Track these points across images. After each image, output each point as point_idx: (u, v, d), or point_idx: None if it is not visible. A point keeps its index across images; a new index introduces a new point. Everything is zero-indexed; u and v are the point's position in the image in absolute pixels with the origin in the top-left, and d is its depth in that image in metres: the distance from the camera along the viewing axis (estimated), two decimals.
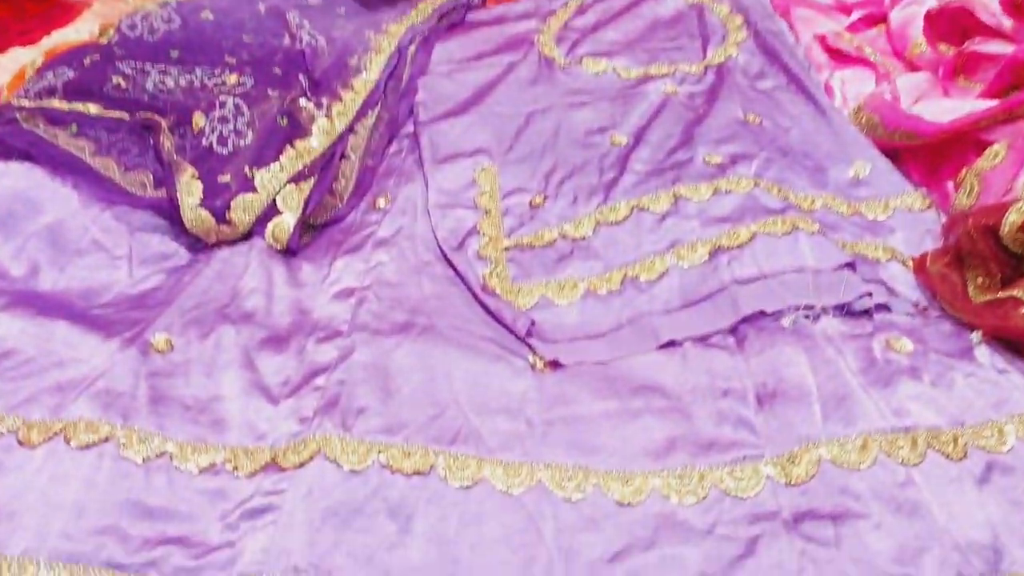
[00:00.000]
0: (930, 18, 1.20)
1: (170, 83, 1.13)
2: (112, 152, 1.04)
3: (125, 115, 1.07)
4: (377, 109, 1.18)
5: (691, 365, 0.84)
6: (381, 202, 1.05)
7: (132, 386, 0.81)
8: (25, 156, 1.01)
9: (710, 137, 1.10)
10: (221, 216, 0.97)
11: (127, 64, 1.14)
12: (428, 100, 1.23)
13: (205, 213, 0.97)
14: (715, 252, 0.91)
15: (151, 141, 1.04)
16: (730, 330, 0.87)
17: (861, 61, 1.26)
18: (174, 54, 1.19)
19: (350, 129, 1.13)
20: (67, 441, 0.76)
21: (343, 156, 1.10)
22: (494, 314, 0.90)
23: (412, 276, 0.94)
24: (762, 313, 0.87)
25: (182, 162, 1.00)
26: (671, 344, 0.87)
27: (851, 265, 0.89)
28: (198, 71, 1.16)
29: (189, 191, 0.97)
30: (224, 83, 1.13)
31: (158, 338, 0.86)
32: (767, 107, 1.17)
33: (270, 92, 1.11)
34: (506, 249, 0.96)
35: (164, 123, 1.04)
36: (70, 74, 1.12)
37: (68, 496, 0.72)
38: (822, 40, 1.31)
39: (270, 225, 0.98)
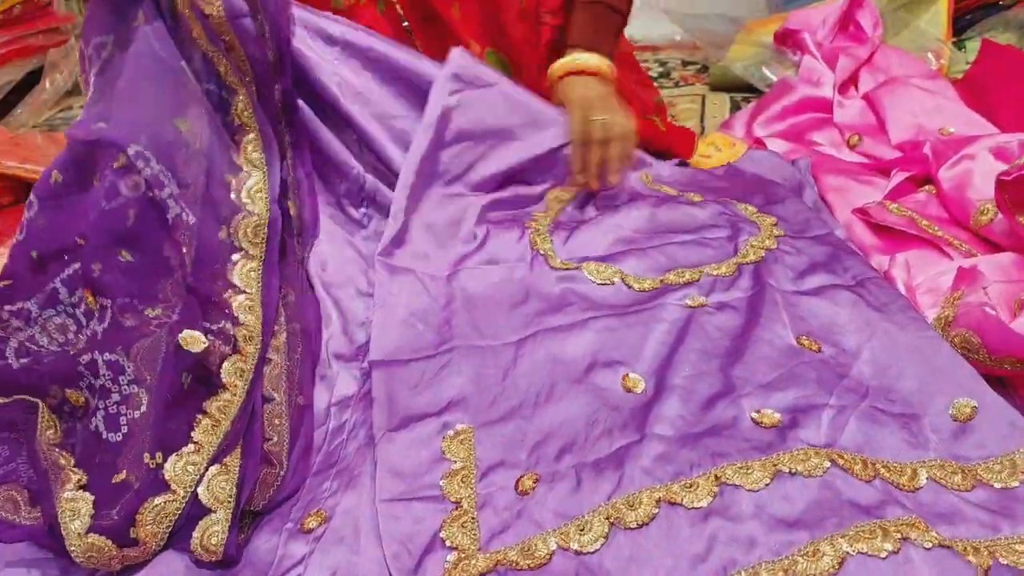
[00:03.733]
0: (1003, 184, 1.00)
1: (41, 339, 0.88)
2: None
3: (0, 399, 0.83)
4: (283, 316, 0.94)
5: None
6: (311, 521, 0.77)
7: None
8: None
9: (756, 378, 0.84)
10: (123, 537, 0.72)
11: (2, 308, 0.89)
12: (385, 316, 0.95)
13: (100, 540, 0.72)
14: None
15: (26, 434, 0.80)
16: None
17: (920, 239, 1.06)
18: (33, 254, 0.90)
19: (263, 358, 0.89)
20: None
21: (266, 399, 0.87)
22: None
23: None
24: None
25: (64, 463, 0.77)
26: None
27: None
28: (59, 287, 0.89)
29: (75, 511, 0.74)
30: (89, 309, 0.87)
31: None
32: (823, 319, 0.91)
33: (146, 311, 0.84)
34: (483, 575, 0.70)
35: (44, 408, 0.81)
36: None
37: None
38: (864, 216, 1.11)
39: (196, 532, 0.75)
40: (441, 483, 0.79)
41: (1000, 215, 1.03)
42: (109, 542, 0.73)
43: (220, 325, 0.89)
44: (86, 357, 0.83)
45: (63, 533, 0.73)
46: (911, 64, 1.43)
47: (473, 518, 0.75)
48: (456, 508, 0.76)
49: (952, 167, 1.13)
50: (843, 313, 0.92)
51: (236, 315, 0.91)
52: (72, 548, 0.72)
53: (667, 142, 1.34)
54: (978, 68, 1.42)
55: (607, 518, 0.72)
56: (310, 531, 0.76)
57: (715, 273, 0.99)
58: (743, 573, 0.66)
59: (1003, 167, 1.03)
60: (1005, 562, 0.67)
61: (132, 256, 0.88)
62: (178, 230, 0.90)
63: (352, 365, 0.96)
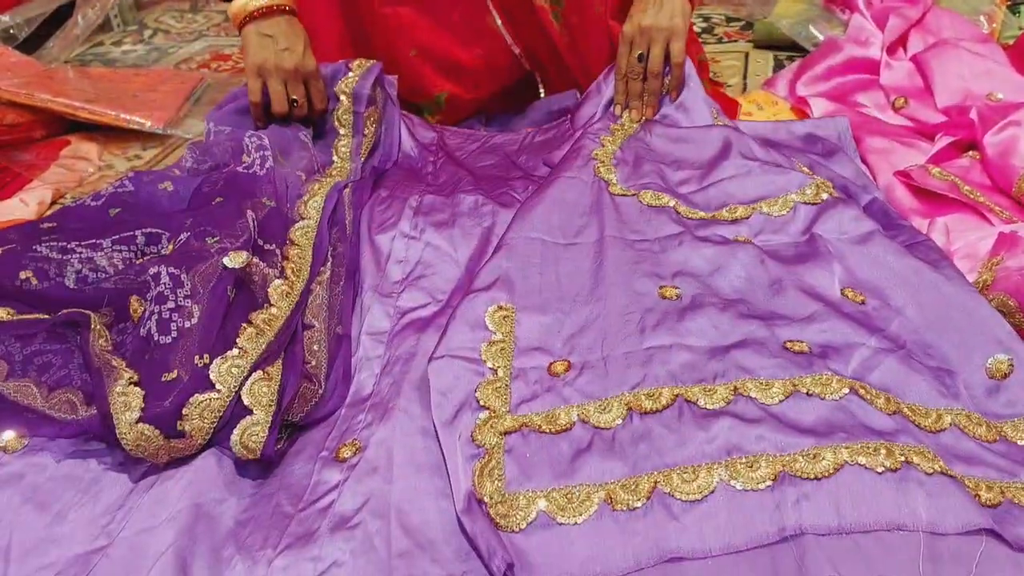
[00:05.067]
0: None
1: (101, 262, 0.95)
2: (30, 370, 0.86)
3: (43, 315, 0.89)
4: (329, 262, 1.02)
5: None
6: (346, 451, 0.82)
7: None
8: None
9: (795, 312, 0.89)
10: (171, 428, 0.78)
11: (49, 246, 0.96)
12: None
13: (149, 429, 0.77)
14: (781, 478, 0.70)
15: (79, 342, 0.87)
16: None
17: (961, 204, 1.08)
18: (113, 212, 1.02)
19: (307, 289, 0.97)
20: None
21: (306, 326, 0.94)
22: (470, 540, 0.71)
23: None
24: None
25: (116, 364, 0.83)
26: None
27: (994, 533, 0.65)
28: (140, 236, 0.99)
29: (126, 403, 0.78)
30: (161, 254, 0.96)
31: None
32: (874, 275, 0.94)
33: (208, 240, 0.94)
34: (506, 432, 0.78)
35: (96, 318, 0.87)
36: None
37: None
38: (906, 178, 1.13)
39: (237, 430, 0.80)
40: (481, 348, 0.86)
41: None
42: (157, 432, 0.78)
43: (271, 249, 0.98)
44: (153, 269, 0.89)
45: (114, 423, 0.78)
46: (962, 27, 1.43)
47: (506, 385, 0.83)
48: (492, 374, 0.84)
49: (998, 133, 1.14)
50: (892, 262, 0.94)
51: (288, 254, 1.00)
52: (123, 436, 0.78)
53: None
54: None
55: (626, 404, 0.79)
56: (344, 460, 0.80)
57: (767, 211, 1.04)
58: (744, 459, 0.72)
59: None
60: (1017, 502, 0.70)
61: (218, 200, 1.02)
62: (262, 184, 1.06)
63: (386, 301, 1.00)
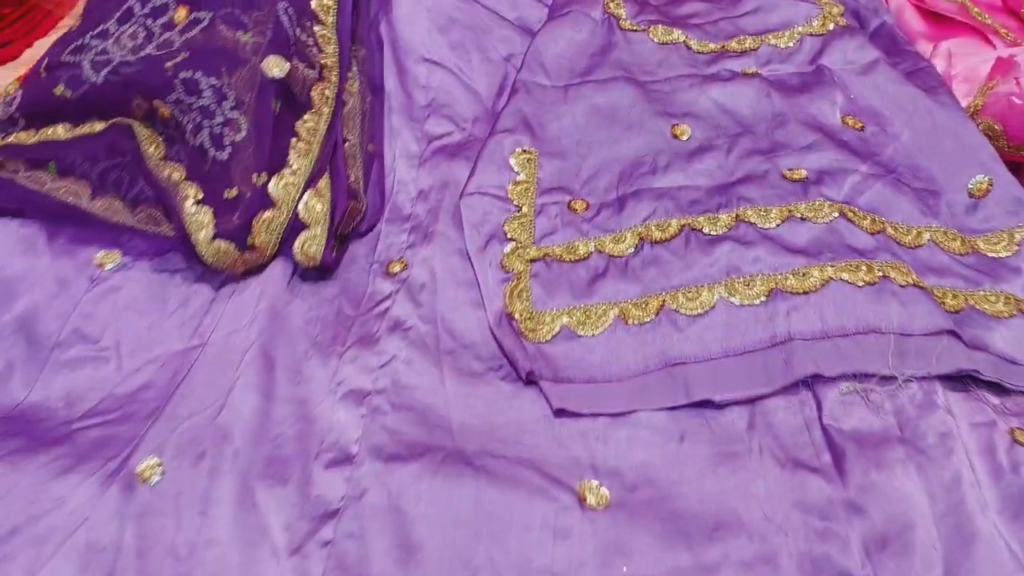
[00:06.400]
0: None
1: (113, 49, 0.95)
2: (108, 187, 0.92)
3: (98, 125, 0.95)
4: (355, 66, 1.05)
5: (777, 493, 0.73)
6: (396, 267, 0.94)
7: (116, 535, 0.72)
8: (18, 214, 0.93)
9: (795, 143, 0.98)
10: (242, 242, 0.88)
11: (71, 50, 0.96)
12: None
13: (226, 245, 0.87)
14: (774, 294, 0.82)
15: (136, 155, 0.91)
16: (826, 445, 0.75)
17: (968, 27, 1.13)
18: None
19: (340, 99, 1.00)
20: None
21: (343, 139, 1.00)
22: (502, 348, 0.85)
23: (431, 371, 0.84)
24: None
25: (177, 178, 0.89)
26: (741, 458, 0.75)
27: (954, 333, 0.78)
28: (136, 4, 0.98)
29: (199, 223, 0.88)
30: (172, 23, 0.95)
31: (146, 464, 0.75)
32: (874, 102, 1.02)
33: (240, 36, 0.94)
34: (532, 260, 0.91)
35: (138, 126, 0.92)
36: (19, 94, 0.96)
37: None
38: (917, 1, 1.16)
39: (298, 241, 0.90)
40: (508, 187, 0.98)
41: None
42: (232, 246, 0.89)
43: (306, 51, 1.01)
44: (185, 74, 0.93)
45: (194, 242, 0.89)
46: None
47: (531, 220, 0.95)
48: (518, 211, 0.96)
49: None
50: (892, 90, 1.03)
51: (320, 44, 1.02)
52: (202, 253, 0.89)
53: None
54: None
55: (638, 234, 0.91)
56: (395, 275, 0.94)
57: (775, 43, 1.11)
58: (742, 278, 0.84)
59: None
60: (977, 308, 0.83)
61: None
62: None
63: (414, 125, 1.09)
